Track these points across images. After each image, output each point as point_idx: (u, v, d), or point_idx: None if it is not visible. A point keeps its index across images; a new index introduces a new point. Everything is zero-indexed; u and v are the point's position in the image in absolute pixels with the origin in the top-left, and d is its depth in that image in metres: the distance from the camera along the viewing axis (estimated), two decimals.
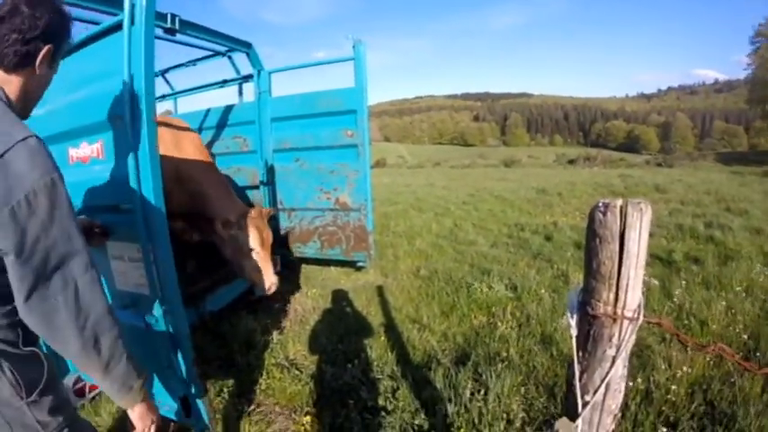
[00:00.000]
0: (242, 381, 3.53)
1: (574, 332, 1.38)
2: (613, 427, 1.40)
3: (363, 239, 5.50)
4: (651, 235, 7.20)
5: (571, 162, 48.72)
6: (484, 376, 3.22)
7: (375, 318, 4.61)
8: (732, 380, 3.07)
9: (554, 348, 3.64)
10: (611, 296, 1.26)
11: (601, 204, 1.23)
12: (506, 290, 5.04)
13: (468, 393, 3.00)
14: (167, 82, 6.76)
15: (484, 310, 4.59)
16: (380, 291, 5.33)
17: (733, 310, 4.24)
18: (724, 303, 4.35)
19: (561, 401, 2.85)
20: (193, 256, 5.14)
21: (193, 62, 5.97)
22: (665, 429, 2.67)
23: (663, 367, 3.29)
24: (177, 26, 4.13)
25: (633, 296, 1.26)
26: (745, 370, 1.55)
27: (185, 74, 6.46)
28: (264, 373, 3.60)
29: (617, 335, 1.28)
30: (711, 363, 3.34)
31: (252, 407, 3.25)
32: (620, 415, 1.44)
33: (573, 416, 1.39)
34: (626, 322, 1.27)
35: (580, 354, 1.37)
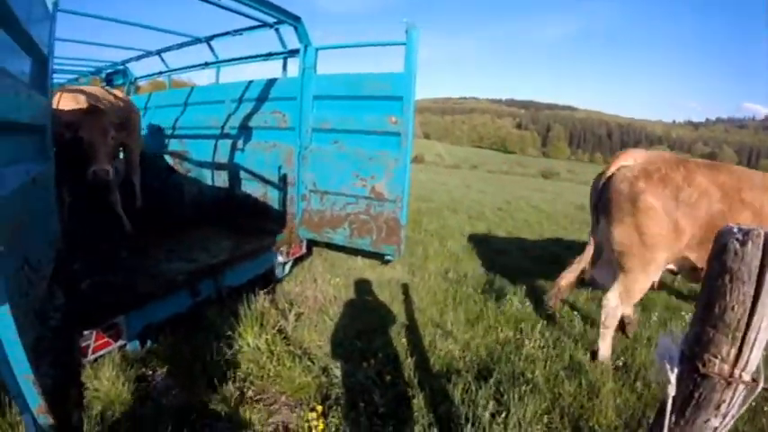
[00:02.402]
0: (249, 363, 3.38)
1: (672, 391, 1.09)
2: None
3: (395, 233, 5.25)
4: None
5: None
6: (506, 397, 3.00)
7: (397, 316, 4.39)
8: None
9: (583, 377, 3.38)
10: (733, 352, 0.99)
11: (737, 230, 0.96)
12: (537, 307, 4.77)
13: (487, 415, 2.76)
14: (212, 49, 6.68)
15: (511, 324, 4.34)
16: (406, 289, 5.13)
17: None
18: None
19: None
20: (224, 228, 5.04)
21: (239, 31, 5.88)
22: None
23: None
24: None
25: (757, 354, 0.98)
26: None
27: (230, 43, 6.39)
28: (275, 359, 3.42)
29: (728, 401, 1.01)
30: None
31: (255, 393, 3.11)
32: None
33: None
34: (741, 387, 1.00)
35: (673, 417, 1.09)
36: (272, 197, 5.97)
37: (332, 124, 5.39)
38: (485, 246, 7.70)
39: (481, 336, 4.09)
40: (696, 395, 1.04)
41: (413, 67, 4.78)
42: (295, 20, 5.10)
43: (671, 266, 3.82)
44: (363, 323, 4.15)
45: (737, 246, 0.94)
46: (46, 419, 1.79)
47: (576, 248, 7.86)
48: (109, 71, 9.06)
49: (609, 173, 3.76)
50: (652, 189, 3.49)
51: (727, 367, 0.99)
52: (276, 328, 3.87)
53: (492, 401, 2.92)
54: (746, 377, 0.99)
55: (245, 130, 6.31)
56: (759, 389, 0.99)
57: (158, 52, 7.37)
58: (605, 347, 3.77)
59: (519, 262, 6.72)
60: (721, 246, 0.97)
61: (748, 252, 0.92)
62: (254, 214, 5.92)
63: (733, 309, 0.96)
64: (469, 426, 2.70)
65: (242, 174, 6.30)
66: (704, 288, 1.03)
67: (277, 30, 5.53)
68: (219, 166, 6.62)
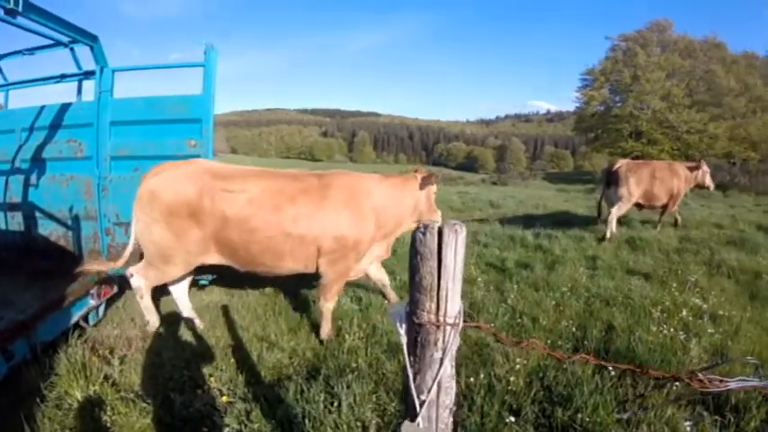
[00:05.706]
0: (83, 419, 3.18)
1: (404, 340, 1.58)
2: (451, 419, 1.61)
3: None
4: (486, 245, 7.83)
5: None
6: (336, 388, 3.26)
7: (222, 338, 4.43)
8: (565, 366, 3.45)
9: (401, 355, 3.76)
10: (434, 306, 1.47)
11: (421, 226, 1.44)
12: (352, 302, 5.18)
13: (321, 407, 3.01)
14: (0, 71, 5.98)
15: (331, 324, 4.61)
16: (226, 310, 5.13)
17: (561, 307, 4.78)
18: (553, 302, 4.89)
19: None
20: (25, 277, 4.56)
21: (31, 51, 5.36)
22: (511, 418, 2.92)
23: (501, 361, 3.60)
24: (20, 8, 3.67)
25: (453, 305, 1.48)
26: (556, 359, 1.87)
27: (24, 64, 5.79)
28: (108, 409, 3.26)
29: (441, 339, 1.50)
30: (546, 354, 3.73)
31: None
32: (455, 409, 1.64)
33: (413, 415, 1.56)
34: (448, 328, 1.48)
35: (411, 358, 1.56)
36: (74, 235, 5.47)
37: (131, 150, 5.11)
38: None
39: (305, 340, 4.35)
40: (419, 339, 1.53)
41: (211, 89, 4.80)
42: (91, 39, 4.79)
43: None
44: (190, 352, 4.13)
45: (422, 236, 1.43)
46: None
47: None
48: None
49: (615, 168, 9.21)
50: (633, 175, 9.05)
51: (432, 316, 1.48)
52: (102, 375, 3.63)
53: (323, 394, 3.17)
54: (450, 320, 1.48)
55: (38, 162, 5.57)
56: (460, 327, 1.50)
57: None
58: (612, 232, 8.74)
59: None
60: (413, 237, 1.47)
61: (428, 239, 1.42)
62: (57, 257, 5.39)
63: (426, 277, 1.45)
64: (307, 421, 2.92)
65: (38, 213, 5.57)
66: (409, 266, 1.52)
67: (72, 49, 5.19)
68: (12, 207, 5.74)
